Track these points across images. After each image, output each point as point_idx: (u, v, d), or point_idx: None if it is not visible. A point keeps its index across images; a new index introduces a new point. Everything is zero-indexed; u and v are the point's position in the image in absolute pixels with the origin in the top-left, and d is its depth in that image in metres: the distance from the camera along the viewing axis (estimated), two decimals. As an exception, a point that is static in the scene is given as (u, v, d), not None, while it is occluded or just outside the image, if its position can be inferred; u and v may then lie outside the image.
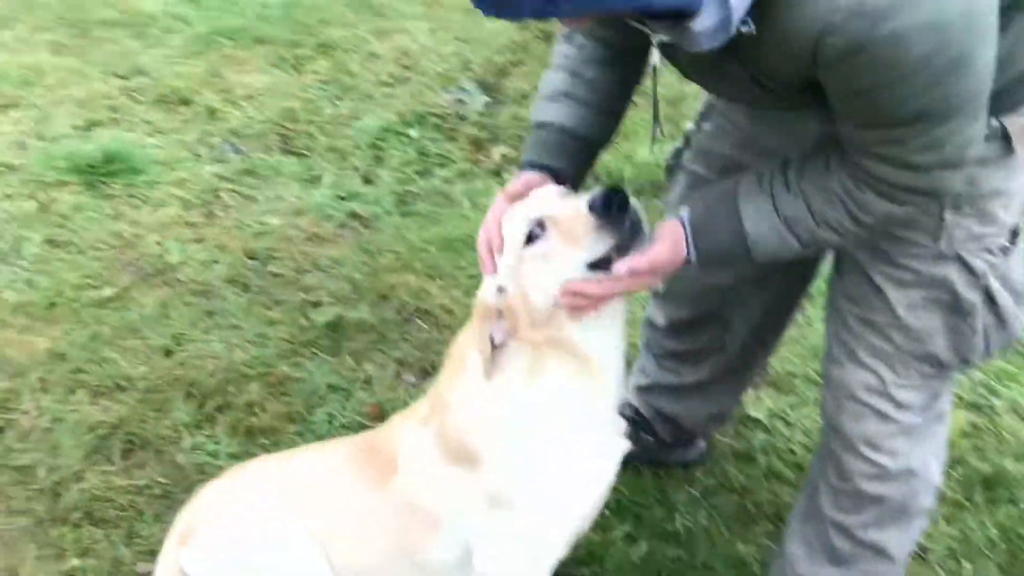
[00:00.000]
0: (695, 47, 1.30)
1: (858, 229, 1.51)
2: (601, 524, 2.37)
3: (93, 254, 3.24)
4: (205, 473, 2.40)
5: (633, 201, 1.60)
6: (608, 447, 1.81)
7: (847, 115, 1.40)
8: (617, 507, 2.45)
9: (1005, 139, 1.52)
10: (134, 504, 2.41)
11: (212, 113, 4.01)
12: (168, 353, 2.87)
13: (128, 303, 3.04)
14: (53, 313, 3.00)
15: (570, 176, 1.76)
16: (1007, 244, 1.63)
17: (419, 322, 3.01)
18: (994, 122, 1.49)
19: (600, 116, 1.78)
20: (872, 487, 1.85)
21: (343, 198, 3.56)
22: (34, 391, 2.73)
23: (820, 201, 1.49)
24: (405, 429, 1.86)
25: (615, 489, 2.37)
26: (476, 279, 1.86)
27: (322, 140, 3.88)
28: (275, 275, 3.19)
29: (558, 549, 1.82)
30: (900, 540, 1.92)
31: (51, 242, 3.29)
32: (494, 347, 1.68)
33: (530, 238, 1.65)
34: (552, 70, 1.81)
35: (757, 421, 2.71)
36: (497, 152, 3.83)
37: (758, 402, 2.76)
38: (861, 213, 1.47)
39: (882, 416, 1.77)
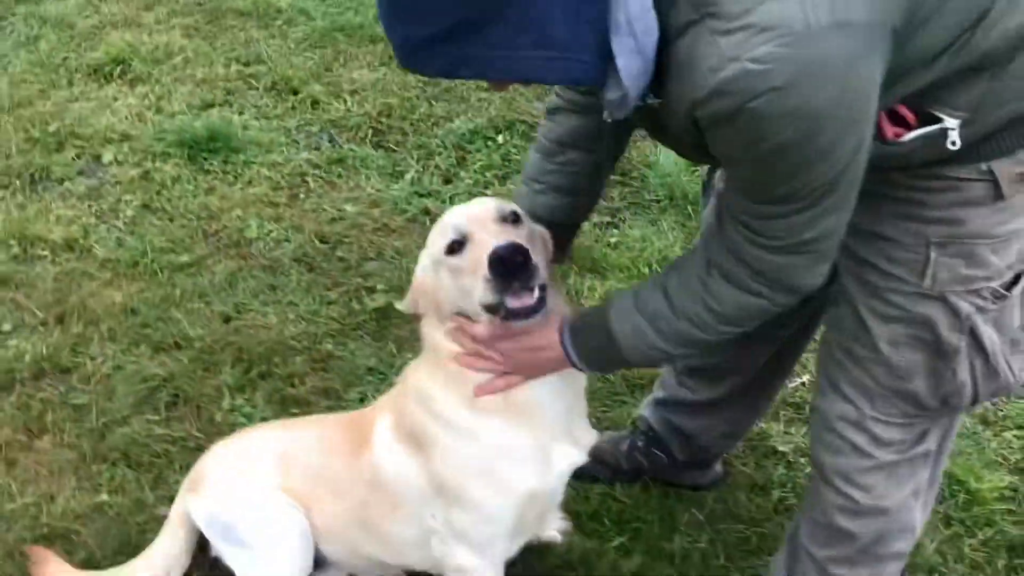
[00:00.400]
0: (612, 115, 1.41)
1: (715, 322, 1.56)
2: (598, 532, 2.41)
3: (180, 222, 3.47)
4: (236, 433, 2.55)
5: (535, 271, 1.61)
6: (551, 457, 1.83)
7: (729, 177, 1.49)
8: (618, 518, 2.46)
9: (995, 184, 1.48)
10: (167, 453, 2.59)
11: (316, 104, 4.22)
12: (227, 319, 3.05)
13: (201, 270, 3.25)
14: (134, 271, 3.24)
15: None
16: (1001, 291, 1.57)
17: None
18: (983, 166, 1.46)
19: (572, 198, 1.87)
20: (843, 521, 1.81)
21: (420, 194, 3.68)
22: (103, 340, 2.96)
23: (679, 293, 1.58)
24: (380, 409, 1.95)
25: (617, 500, 2.42)
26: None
27: (412, 138, 4.02)
28: (340, 259, 3.34)
29: (500, 544, 1.87)
30: None
31: (147, 207, 3.55)
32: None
33: (451, 248, 1.70)
34: (532, 150, 1.92)
35: (782, 455, 2.65)
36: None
37: (786, 436, 2.70)
38: (714, 302, 1.54)
39: (858, 450, 1.73)
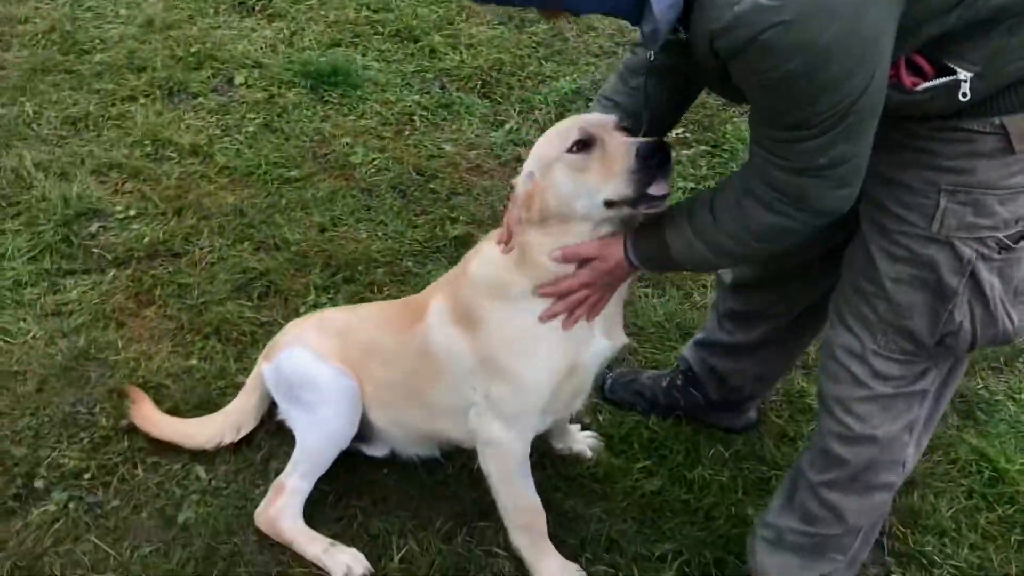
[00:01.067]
0: (648, 46, 1.59)
1: (749, 238, 1.73)
2: (626, 453, 2.59)
3: (294, 142, 3.79)
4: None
5: (672, 162, 1.83)
6: (588, 343, 2.02)
7: (751, 106, 1.62)
8: (647, 445, 2.63)
9: (1006, 137, 1.58)
10: (253, 333, 2.89)
11: (433, 52, 4.48)
12: (323, 230, 3.34)
13: (307, 185, 3.55)
14: (248, 179, 3.57)
15: None
16: (1008, 242, 1.66)
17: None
18: (996, 120, 1.57)
19: (635, 121, 1.99)
20: (837, 447, 1.92)
21: (516, 143, 3.89)
22: (212, 234, 3.29)
23: (721, 212, 1.74)
24: (437, 288, 2.18)
25: (649, 428, 2.59)
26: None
27: (517, 92, 4.24)
28: (431, 191, 3.59)
29: (532, 419, 2.07)
30: (859, 509, 1.97)
31: (267, 126, 3.88)
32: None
33: (576, 146, 1.90)
34: (612, 74, 2.09)
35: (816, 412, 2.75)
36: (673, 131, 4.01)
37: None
38: (748, 221, 1.70)
39: (856, 380, 1.85)
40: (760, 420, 2.72)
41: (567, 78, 4.33)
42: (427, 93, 4.21)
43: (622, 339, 2.15)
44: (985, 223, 1.64)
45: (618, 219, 1.90)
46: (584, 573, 2.24)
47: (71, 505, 2.33)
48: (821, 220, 1.68)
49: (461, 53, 4.50)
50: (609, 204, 1.87)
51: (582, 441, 2.59)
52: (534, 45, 4.57)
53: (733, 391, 2.58)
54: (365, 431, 2.36)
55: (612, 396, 2.76)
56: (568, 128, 1.94)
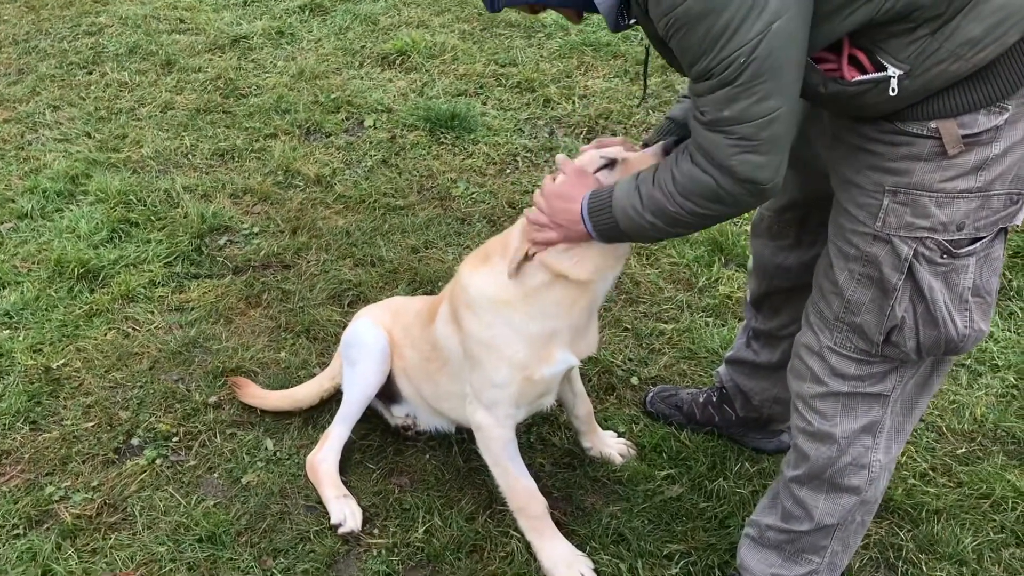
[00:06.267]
0: (611, 31, 1.81)
1: (676, 192, 1.79)
2: (652, 461, 2.72)
3: (405, 176, 4.19)
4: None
5: None
6: (551, 357, 2.26)
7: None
8: (675, 455, 2.75)
9: (940, 141, 1.68)
10: (336, 334, 3.23)
11: (548, 102, 4.80)
12: (415, 251, 3.69)
13: (408, 212, 3.93)
14: (359, 206, 3.98)
15: None
16: (951, 248, 1.73)
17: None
18: (931, 124, 1.68)
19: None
20: (802, 442, 2.01)
21: (609, 183, 4.12)
22: (319, 250, 3.70)
23: (662, 167, 1.84)
24: (443, 295, 2.47)
25: (680, 440, 2.73)
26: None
27: (620, 137, 4.48)
28: (521, 221, 3.87)
29: (504, 408, 2.31)
30: (825, 508, 2.02)
31: (384, 162, 4.31)
32: (526, 258, 2.19)
33: (601, 170, 2.13)
34: None
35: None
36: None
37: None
38: (677, 172, 1.79)
39: (815, 377, 1.94)
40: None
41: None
42: (535, 138, 4.53)
43: (590, 350, 2.37)
44: (922, 224, 1.73)
45: None
46: (589, 561, 2.39)
47: (157, 461, 2.73)
48: (740, 189, 1.73)
49: (574, 103, 4.80)
50: None
51: (613, 447, 2.75)
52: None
53: (755, 410, 2.68)
54: (395, 394, 2.72)
55: (651, 409, 2.90)
56: (590, 158, 2.16)
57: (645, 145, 2.22)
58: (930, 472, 2.71)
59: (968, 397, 2.99)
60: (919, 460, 2.75)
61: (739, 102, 1.63)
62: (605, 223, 1.97)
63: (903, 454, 2.77)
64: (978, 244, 1.75)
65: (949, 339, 1.80)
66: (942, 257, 1.75)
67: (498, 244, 2.32)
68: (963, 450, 2.80)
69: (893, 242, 1.76)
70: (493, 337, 2.24)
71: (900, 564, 2.43)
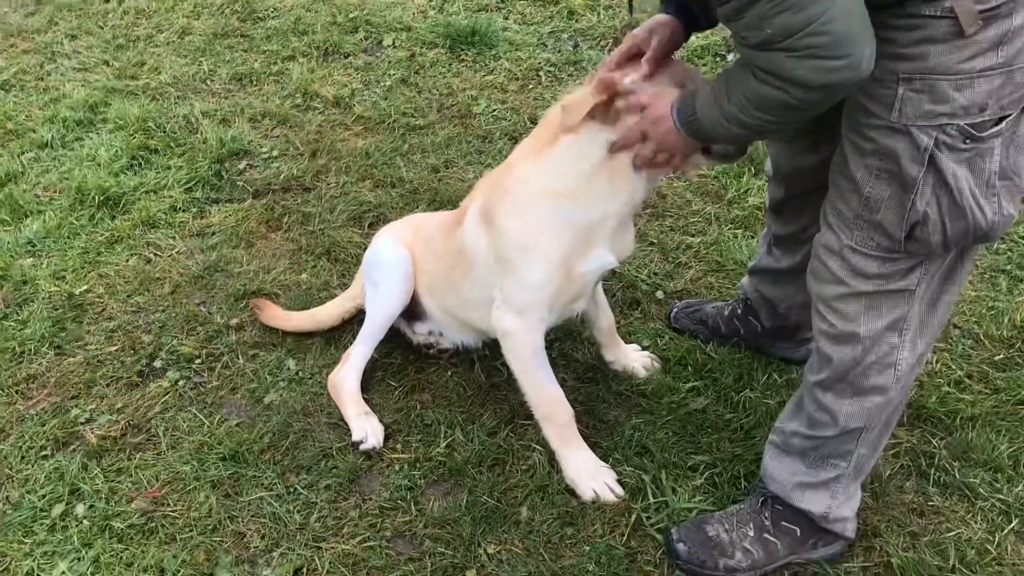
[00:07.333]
0: None
1: (750, 107, 1.73)
2: (677, 374, 2.67)
3: (425, 95, 4.10)
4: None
5: None
6: (588, 253, 2.19)
7: None
8: (701, 367, 2.70)
9: (956, 20, 1.57)
10: (357, 255, 3.20)
11: (571, 14, 4.67)
12: (435, 170, 3.62)
13: (428, 131, 3.85)
14: (379, 127, 3.91)
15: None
16: (974, 132, 1.63)
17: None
18: (946, 3, 1.56)
19: (685, 18, 2.02)
20: (825, 345, 1.94)
21: (635, 95, 4.00)
22: (340, 171, 3.65)
23: (732, 84, 1.77)
24: (475, 195, 2.39)
25: (705, 353, 2.67)
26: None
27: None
28: (543, 137, 3.77)
29: (539, 311, 2.23)
30: (851, 411, 1.95)
31: (404, 81, 4.22)
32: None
33: None
34: None
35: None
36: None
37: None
38: (746, 90, 1.71)
39: (835, 277, 1.86)
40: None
41: (704, 38, 4.37)
42: (559, 51, 4.40)
43: (627, 252, 2.31)
44: (942, 110, 1.62)
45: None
46: (613, 472, 2.36)
47: (180, 383, 2.73)
48: (812, 94, 1.64)
49: (599, 14, 4.65)
50: None
51: (637, 360, 2.70)
52: (671, 5, 4.63)
53: (781, 318, 2.61)
54: (419, 312, 2.68)
55: (676, 324, 2.84)
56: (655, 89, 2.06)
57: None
58: (965, 379, 2.63)
59: (1008, 303, 2.89)
60: (954, 367, 2.67)
61: (776, 17, 1.53)
62: (698, 132, 1.94)
63: (937, 361, 2.69)
64: (1003, 124, 1.64)
65: (977, 228, 1.71)
66: (965, 142, 1.65)
67: (529, 147, 2.24)
68: (1001, 356, 2.71)
69: (912, 133, 1.66)
70: (539, 233, 2.17)
71: (932, 472, 2.37)
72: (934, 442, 2.45)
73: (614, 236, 2.22)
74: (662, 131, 2.01)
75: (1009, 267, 3.01)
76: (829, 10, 1.52)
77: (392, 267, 2.61)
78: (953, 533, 2.22)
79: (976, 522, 2.25)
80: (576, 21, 4.62)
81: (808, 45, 1.56)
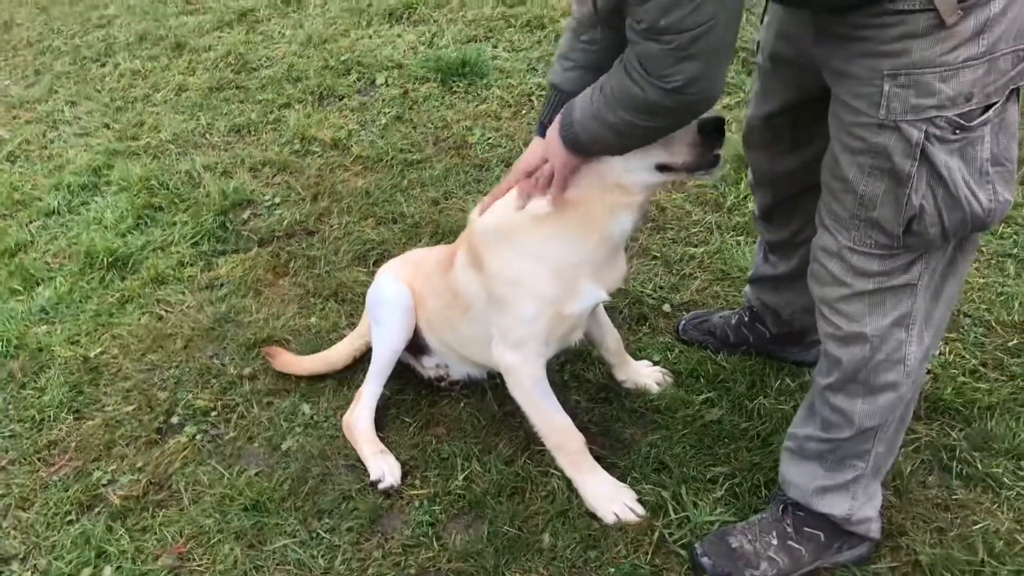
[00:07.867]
0: None
1: (613, 102, 1.78)
2: (690, 386, 2.67)
3: (421, 130, 4.14)
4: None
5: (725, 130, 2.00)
6: (577, 292, 2.21)
7: None
8: (713, 377, 2.70)
9: (935, 13, 1.58)
10: (363, 295, 3.21)
11: (559, 38, 4.68)
12: (435, 203, 3.65)
13: (425, 165, 3.88)
14: (377, 165, 3.95)
15: None
16: (963, 122, 1.64)
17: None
18: None
19: (596, 75, 1.96)
20: (832, 348, 1.94)
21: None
22: (342, 212, 3.68)
23: (605, 78, 1.82)
24: (460, 242, 2.42)
25: (716, 363, 2.67)
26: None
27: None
28: (540, 161, 3.80)
29: (535, 346, 2.25)
30: (865, 411, 1.94)
31: (399, 118, 4.26)
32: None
33: None
34: (565, 28, 2.16)
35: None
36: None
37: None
38: (614, 83, 1.76)
39: (836, 279, 1.86)
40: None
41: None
42: (549, 75, 4.42)
43: (619, 283, 2.33)
44: (929, 103, 1.63)
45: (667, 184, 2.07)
46: (632, 492, 2.36)
47: (198, 437, 2.75)
48: (670, 101, 1.70)
49: (586, 35, 4.67)
50: (662, 168, 2.04)
51: (648, 376, 2.70)
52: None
53: (786, 324, 2.60)
54: (424, 346, 2.71)
55: (685, 336, 2.85)
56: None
57: (542, 125, 2.15)
58: (980, 368, 2.62)
59: (1017, 287, 2.87)
60: (968, 357, 2.65)
61: (675, 11, 1.57)
62: (571, 137, 1.98)
63: (950, 352, 2.67)
64: (990, 111, 1.65)
65: (975, 216, 1.71)
66: (955, 133, 1.65)
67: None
68: (1015, 342, 2.69)
69: (901, 128, 1.67)
70: (517, 272, 2.20)
71: (954, 464, 2.36)
72: (953, 434, 2.43)
73: (601, 271, 2.23)
74: (554, 147, 2.05)
75: (1016, 251, 2.99)
76: (717, 17, 1.58)
77: (393, 304, 2.63)
78: (980, 526, 2.20)
79: (1003, 512, 2.23)
80: (564, 43, 4.64)
81: (686, 44, 1.61)
